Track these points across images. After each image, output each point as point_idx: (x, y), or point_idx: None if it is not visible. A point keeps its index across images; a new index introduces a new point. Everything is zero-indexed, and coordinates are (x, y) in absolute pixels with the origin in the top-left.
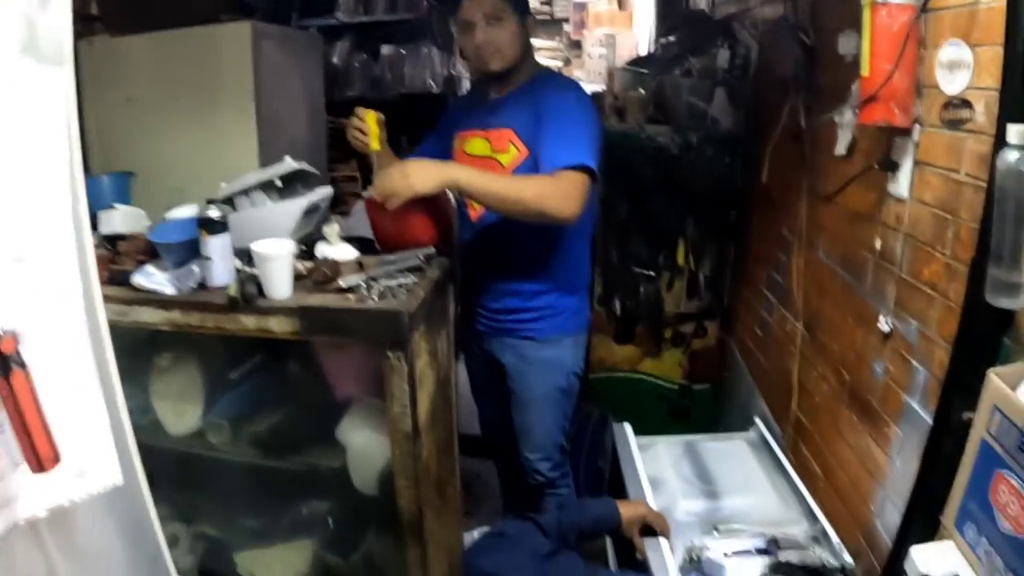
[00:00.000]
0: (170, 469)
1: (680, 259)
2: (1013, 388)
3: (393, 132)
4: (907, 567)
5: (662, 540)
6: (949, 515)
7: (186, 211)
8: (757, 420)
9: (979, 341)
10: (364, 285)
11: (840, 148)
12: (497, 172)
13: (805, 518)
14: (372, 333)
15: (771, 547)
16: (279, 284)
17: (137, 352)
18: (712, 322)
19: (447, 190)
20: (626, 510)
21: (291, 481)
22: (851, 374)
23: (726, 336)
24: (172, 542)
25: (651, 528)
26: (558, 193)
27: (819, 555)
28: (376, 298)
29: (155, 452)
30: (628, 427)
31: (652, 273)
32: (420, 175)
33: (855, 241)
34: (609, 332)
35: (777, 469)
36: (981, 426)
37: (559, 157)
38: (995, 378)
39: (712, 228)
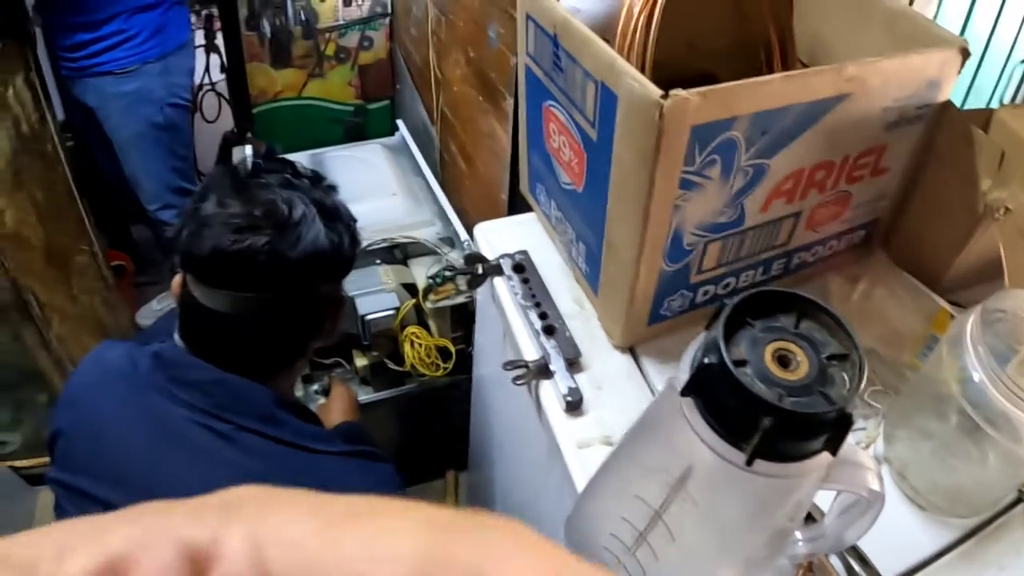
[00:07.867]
0: None
1: None
2: None
3: None
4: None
5: None
6: (524, 180)
7: None
8: (400, 124)
9: None
10: None
11: None
12: None
13: (439, 219)
14: None
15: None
16: None
17: None
18: (377, 31)
19: None
20: None
21: None
22: (475, 50)
23: (396, 46)
24: None
25: None
26: None
27: (447, 257)
28: None
29: None
30: (248, 149)
31: None
32: None
33: None
34: (264, 58)
35: (415, 173)
36: (522, 48)
37: None
38: None
39: None
